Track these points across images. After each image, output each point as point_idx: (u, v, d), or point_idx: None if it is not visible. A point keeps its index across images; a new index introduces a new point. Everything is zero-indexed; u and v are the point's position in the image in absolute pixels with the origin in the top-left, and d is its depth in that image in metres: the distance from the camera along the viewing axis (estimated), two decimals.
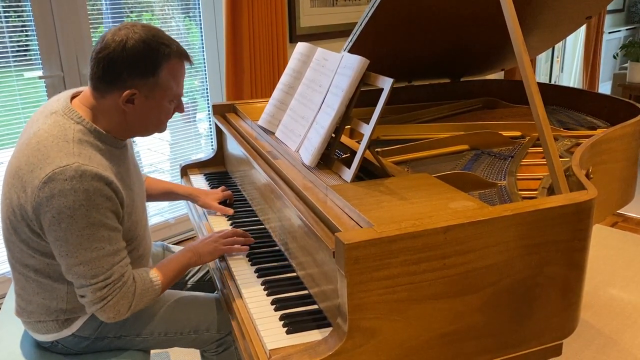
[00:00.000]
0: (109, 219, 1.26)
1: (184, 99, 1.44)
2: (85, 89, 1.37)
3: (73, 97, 1.38)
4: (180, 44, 1.37)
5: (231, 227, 1.74)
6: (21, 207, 1.27)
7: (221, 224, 1.77)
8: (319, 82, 1.57)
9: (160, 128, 1.41)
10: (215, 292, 1.68)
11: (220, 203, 1.87)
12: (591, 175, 1.55)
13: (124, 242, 1.33)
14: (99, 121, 1.34)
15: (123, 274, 1.30)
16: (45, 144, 1.25)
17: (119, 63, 1.26)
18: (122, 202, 1.31)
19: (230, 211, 1.83)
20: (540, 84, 2.41)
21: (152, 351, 1.69)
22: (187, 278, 1.81)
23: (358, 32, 1.94)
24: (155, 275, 1.38)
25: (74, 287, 1.31)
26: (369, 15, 1.86)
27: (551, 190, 1.45)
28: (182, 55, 1.34)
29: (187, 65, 1.37)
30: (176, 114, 1.46)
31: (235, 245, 1.54)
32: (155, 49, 1.28)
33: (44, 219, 1.23)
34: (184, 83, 1.40)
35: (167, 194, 1.87)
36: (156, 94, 1.32)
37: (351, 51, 2.01)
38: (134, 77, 1.28)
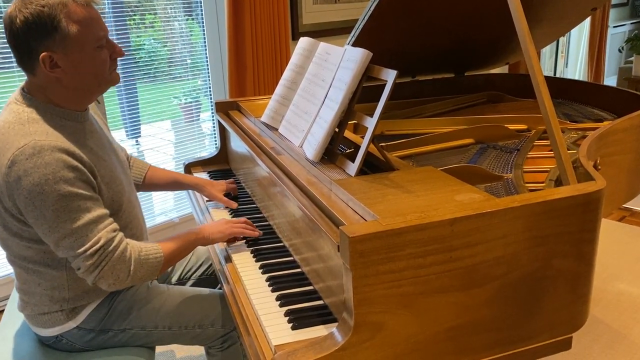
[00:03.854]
0: (80, 189, 1.26)
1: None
2: None
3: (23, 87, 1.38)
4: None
5: None
6: (0, 201, 1.29)
7: None
8: (322, 77, 1.56)
9: (104, 78, 1.36)
10: (218, 287, 1.67)
11: (225, 196, 1.87)
12: (599, 167, 1.53)
13: (107, 211, 1.32)
14: (50, 98, 1.33)
15: (112, 239, 1.29)
16: (3, 131, 1.27)
17: (21, 36, 1.25)
18: (92, 171, 1.30)
19: (235, 204, 1.83)
20: (545, 77, 2.39)
21: (156, 351, 1.68)
22: (189, 274, 1.80)
23: (360, 27, 1.93)
24: (156, 245, 1.37)
25: (71, 265, 1.30)
26: (371, 9, 1.84)
27: (558, 183, 1.44)
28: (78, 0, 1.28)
29: (95, 6, 1.31)
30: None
31: (246, 230, 1.55)
32: (44, 6, 1.24)
33: (19, 203, 1.25)
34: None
35: (173, 184, 1.86)
36: (73, 47, 1.27)
37: (354, 46, 1.99)
38: (40, 41, 1.25)
